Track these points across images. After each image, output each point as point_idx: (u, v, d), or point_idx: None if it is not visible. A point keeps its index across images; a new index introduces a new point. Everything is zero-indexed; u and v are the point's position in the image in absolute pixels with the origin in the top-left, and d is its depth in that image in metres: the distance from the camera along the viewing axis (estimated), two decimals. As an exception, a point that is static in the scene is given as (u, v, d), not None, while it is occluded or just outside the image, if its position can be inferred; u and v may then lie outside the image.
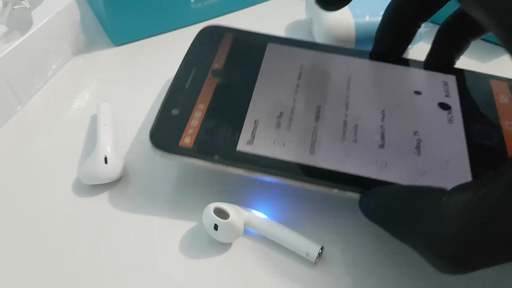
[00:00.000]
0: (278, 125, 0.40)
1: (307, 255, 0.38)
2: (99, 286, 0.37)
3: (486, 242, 0.27)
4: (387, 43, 0.48)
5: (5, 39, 0.52)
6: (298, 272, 0.38)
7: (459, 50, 0.45)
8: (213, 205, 0.38)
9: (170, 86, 0.44)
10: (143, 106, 0.51)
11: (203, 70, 0.45)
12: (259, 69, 0.45)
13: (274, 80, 0.44)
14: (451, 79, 0.45)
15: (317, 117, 0.41)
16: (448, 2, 0.45)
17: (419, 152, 0.38)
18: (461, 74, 0.45)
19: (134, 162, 0.45)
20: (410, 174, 0.37)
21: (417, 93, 0.44)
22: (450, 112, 0.41)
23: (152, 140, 0.39)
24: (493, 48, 0.59)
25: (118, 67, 0.56)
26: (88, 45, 0.59)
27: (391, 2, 0.46)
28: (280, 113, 0.41)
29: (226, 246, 0.39)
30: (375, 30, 0.53)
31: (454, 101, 0.43)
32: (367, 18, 0.53)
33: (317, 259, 0.37)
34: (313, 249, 0.37)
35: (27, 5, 0.53)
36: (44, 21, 0.50)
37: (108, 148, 0.43)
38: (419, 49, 0.59)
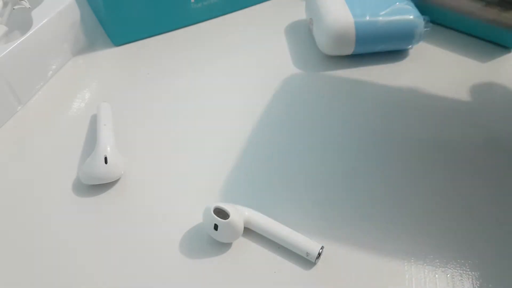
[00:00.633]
0: None
1: (307, 255, 0.38)
2: (99, 285, 0.37)
3: None
4: None
5: (5, 39, 0.52)
6: (298, 272, 0.38)
7: None
8: (213, 205, 0.38)
9: None
10: (143, 106, 0.51)
11: None
12: None
13: None
14: None
15: None
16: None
17: None
18: None
19: (134, 162, 0.45)
20: None
21: None
22: None
23: None
24: (493, 48, 0.59)
25: (118, 67, 0.56)
26: (88, 45, 0.59)
27: None
28: None
29: (226, 246, 0.39)
30: (375, 30, 0.53)
31: None
32: (367, 18, 0.53)
33: (317, 259, 0.37)
34: (313, 249, 0.37)
35: (27, 5, 0.53)
36: (44, 21, 0.50)
37: (108, 148, 0.43)
38: (419, 49, 0.60)
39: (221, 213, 0.38)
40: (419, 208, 0.42)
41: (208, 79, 0.55)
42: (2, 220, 0.41)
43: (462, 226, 0.41)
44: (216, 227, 0.38)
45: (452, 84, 0.54)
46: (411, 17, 0.54)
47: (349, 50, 0.55)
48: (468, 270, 0.38)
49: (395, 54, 0.58)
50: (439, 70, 0.56)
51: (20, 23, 0.53)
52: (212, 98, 0.52)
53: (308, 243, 0.38)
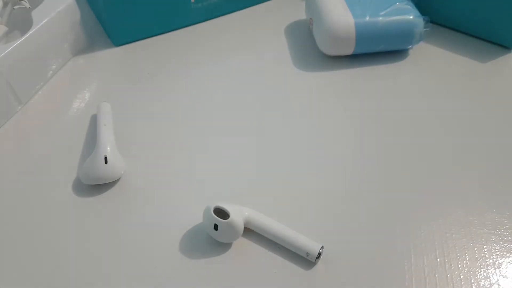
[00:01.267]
0: None
1: (307, 255, 0.38)
2: (99, 285, 0.37)
3: None
4: None
5: (5, 39, 0.52)
6: (298, 272, 0.38)
7: None
8: (213, 205, 0.38)
9: None
10: (143, 106, 0.51)
11: None
12: None
13: None
14: None
15: None
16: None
17: None
18: None
19: (134, 162, 0.45)
20: None
21: None
22: None
23: None
24: (493, 48, 0.59)
25: (118, 67, 0.56)
26: (88, 45, 0.59)
27: None
28: None
29: (226, 246, 0.39)
30: (375, 30, 0.53)
31: None
32: (367, 18, 0.53)
33: (317, 259, 0.37)
34: (313, 249, 0.37)
35: (27, 5, 0.53)
36: (44, 21, 0.50)
37: (108, 148, 0.43)
38: (419, 49, 0.60)
39: (221, 213, 0.38)
40: (419, 208, 0.42)
41: (208, 79, 0.55)
42: (2, 220, 0.41)
43: (462, 226, 0.41)
44: (216, 227, 0.38)
45: (452, 84, 0.54)
46: (411, 17, 0.54)
47: (349, 50, 0.55)
48: (468, 270, 0.38)
49: (395, 54, 0.58)
50: (439, 70, 0.56)
51: (20, 23, 0.53)
52: (212, 98, 0.52)
53: (308, 243, 0.38)
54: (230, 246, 0.39)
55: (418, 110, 0.51)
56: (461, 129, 0.49)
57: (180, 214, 0.41)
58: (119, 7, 0.55)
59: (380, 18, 0.54)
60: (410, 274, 0.38)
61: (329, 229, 0.40)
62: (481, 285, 0.37)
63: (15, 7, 0.53)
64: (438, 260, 0.39)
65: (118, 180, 0.44)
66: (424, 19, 0.55)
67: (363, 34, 0.53)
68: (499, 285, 0.37)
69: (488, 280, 0.37)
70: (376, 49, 0.56)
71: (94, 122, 0.49)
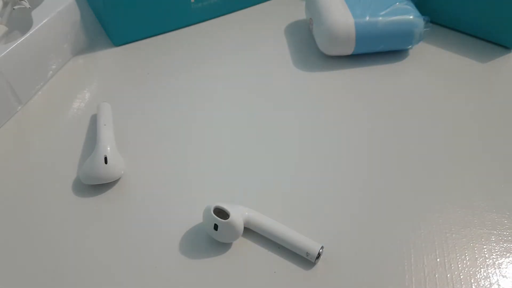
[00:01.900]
0: None
1: (307, 255, 0.38)
2: (99, 285, 0.37)
3: None
4: None
5: (5, 39, 0.52)
6: (298, 272, 0.38)
7: None
8: (213, 205, 0.38)
9: None
10: (143, 106, 0.51)
11: None
12: None
13: None
14: None
15: None
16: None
17: None
18: None
19: (134, 162, 0.45)
20: None
21: None
22: None
23: None
24: (493, 48, 0.59)
25: (118, 67, 0.56)
26: (88, 45, 0.59)
27: None
28: None
29: (226, 246, 0.39)
30: (375, 30, 0.53)
31: None
32: (367, 18, 0.53)
33: (317, 259, 0.37)
34: (313, 249, 0.37)
35: (27, 5, 0.53)
36: (44, 21, 0.50)
37: (108, 148, 0.43)
38: (419, 49, 0.60)
39: (221, 213, 0.38)
40: (419, 208, 0.42)
41: (208, 79, 0.55)
42: (3, 220, 0.41)
43: (462, 226, 0.41)
44: (216, 227, 0.38)
45: (452, 84, 0.54)
46: (411, 17, 0.54)
47: (349, 50, 0.55)
48: (468, 270, 0.38)
49: (395, 54, 0.58)
50: (439, 70, 0.56)
51: (20, 23, 0.53)
52: (212, 98, 0.52)
53: (308, 243, 0.38)
54: (230, 246, 0.39)
55: (418, 110, 0.51)
56: (461, 129, 0.49)
57: (180, 214, 0.41)
58: (119, 7, 0.55)
59: (380, 18, 0.54)
60: (410, 274, 0.38)
61: (329, 229, 0.40)
62: (481, 285, 0.37)
63: (15, 7, 0.53)
64: (438, 260, 0.39)
65: (118, 180, 0.44)
66: (424, 19, 0.55)
67: (363, 34, 0.54)
68: (499, 285, 0.37)
69: (488, 280, 0.37)
70: (376, 49, 0.56)
71: (94, 122, 0.49)
